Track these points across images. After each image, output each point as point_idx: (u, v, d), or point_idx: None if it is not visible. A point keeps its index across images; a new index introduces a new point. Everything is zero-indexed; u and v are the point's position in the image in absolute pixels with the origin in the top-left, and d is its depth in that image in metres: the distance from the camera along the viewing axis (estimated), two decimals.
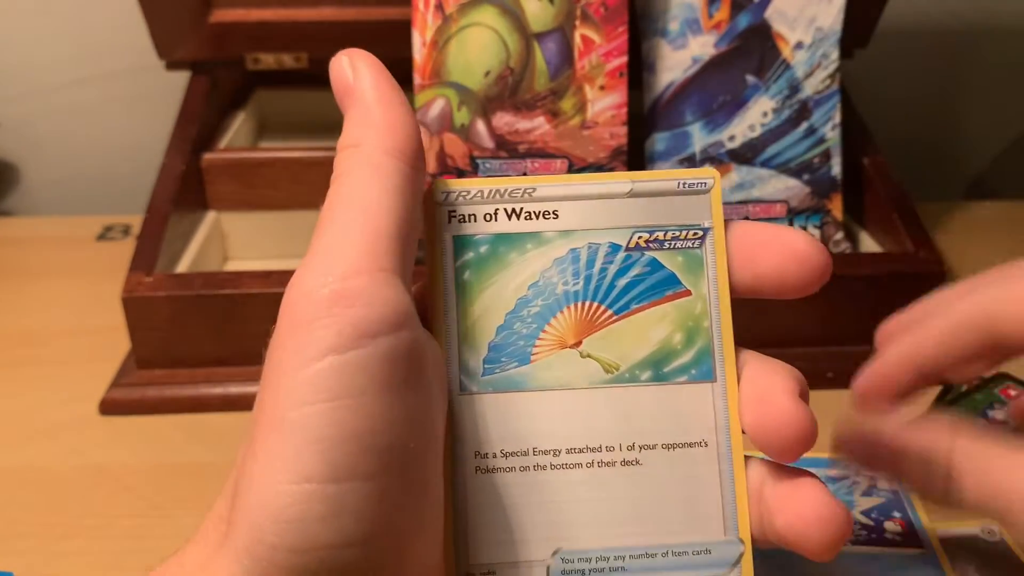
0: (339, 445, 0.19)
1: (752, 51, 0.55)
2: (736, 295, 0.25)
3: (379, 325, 0.20)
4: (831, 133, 0.56)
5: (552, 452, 0.24)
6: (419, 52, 0.54)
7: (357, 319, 0.20)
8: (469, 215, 0.24)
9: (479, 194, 0.24)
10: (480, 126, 0.54)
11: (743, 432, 0.24)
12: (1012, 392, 0.48)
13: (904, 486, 0.27)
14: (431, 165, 0.54)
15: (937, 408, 0.48)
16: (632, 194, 0.25)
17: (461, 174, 0.54)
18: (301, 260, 0.21)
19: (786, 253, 0.24)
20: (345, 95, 0.23)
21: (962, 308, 0.27)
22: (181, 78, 0.62)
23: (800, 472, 0.24)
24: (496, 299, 0.24)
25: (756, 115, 0.55)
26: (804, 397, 0.23)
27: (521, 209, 0.24)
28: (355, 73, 0.23)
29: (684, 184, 0.25)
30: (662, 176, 0.25)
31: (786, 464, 0.24)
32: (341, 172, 0.22)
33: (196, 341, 0.50)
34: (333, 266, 0.21)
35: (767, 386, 0.23)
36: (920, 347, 0.28)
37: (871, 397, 0.29)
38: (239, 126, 0.64)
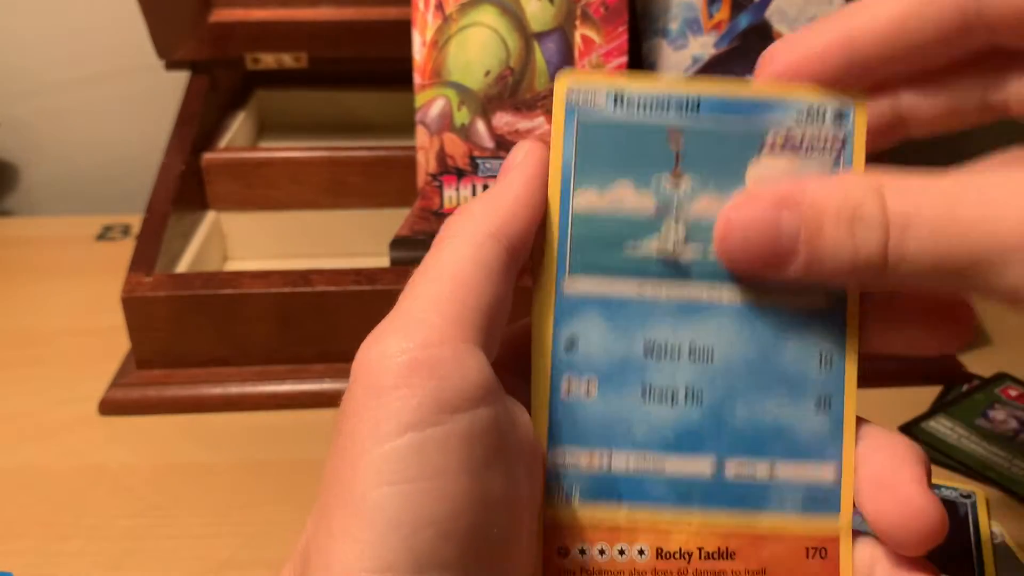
0: (420, 531, 0.19)
1: (752, 51, 0.55)
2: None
3: (459, 400, 0.19)
4: None
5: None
6: (419, 52, 0.53)
7: (437, 392, 0.19)
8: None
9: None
10: (480, 126, 0.54)
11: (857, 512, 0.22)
12: (1012, 392, 0.48)
13: (824, 268, 0.21)
14: (431, 165, 0.54)
15: (936, 409, 0.47)
16: None
17: (461, 174, 0.54)
18: (384, 318, 0.21)
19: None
20: (502, 171, 0.23)
21: None
22: (181, 78, 0.62)
23: (918, 563, 0.22)
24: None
25: None
26: (929, 481, 0.21)
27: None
28: (521, 160, 0.23)
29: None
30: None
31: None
32: (444, 237, 0.22)
33: (196, 341, 0.49)
34: (415, 332, 0.20)
35: (891, 469, 0.22)
36: (869, 19, 0.22)
37: (785, 72, 0.24)
38: (239, 126, 0.64)
